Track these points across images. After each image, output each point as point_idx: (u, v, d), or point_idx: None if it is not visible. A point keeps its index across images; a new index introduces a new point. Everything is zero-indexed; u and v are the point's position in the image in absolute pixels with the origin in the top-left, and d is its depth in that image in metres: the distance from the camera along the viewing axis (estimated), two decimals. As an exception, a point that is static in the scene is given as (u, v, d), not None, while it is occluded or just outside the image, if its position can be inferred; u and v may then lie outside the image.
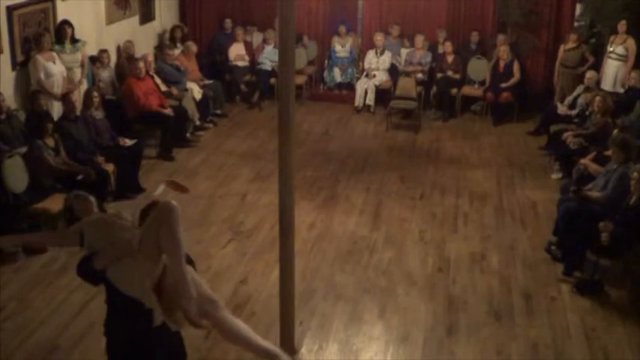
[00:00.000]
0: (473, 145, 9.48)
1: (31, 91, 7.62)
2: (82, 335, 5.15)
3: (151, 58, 9.49)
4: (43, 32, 7.86)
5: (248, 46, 11.17)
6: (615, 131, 7.11)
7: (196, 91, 9.91)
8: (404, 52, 11.07)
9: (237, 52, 11.01)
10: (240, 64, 11.02)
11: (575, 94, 9.24)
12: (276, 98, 9.57)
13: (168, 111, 8.84)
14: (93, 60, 8.77)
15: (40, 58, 7.66)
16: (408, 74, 10.54)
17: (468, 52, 10.83)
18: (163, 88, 9.30)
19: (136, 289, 3.24)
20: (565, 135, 8.10)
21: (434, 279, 6.07)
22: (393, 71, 10.95)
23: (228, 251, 6.50)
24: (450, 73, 10.65)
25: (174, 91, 9.41)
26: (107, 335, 3.68)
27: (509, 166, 8.73)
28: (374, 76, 10.86)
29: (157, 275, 3.17)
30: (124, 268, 3.28)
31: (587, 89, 8.90)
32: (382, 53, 10.95)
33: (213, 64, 11.17)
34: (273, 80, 10.66)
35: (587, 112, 8.48)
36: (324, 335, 5.21)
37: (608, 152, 6.99)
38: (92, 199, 3.82)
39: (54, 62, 7.78)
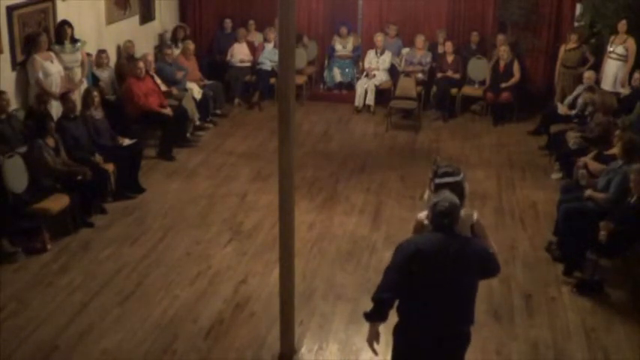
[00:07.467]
0: (473, 145, 9.48)
1: (35, 92, 7.63)
2: (81, 335, 5.16)
3: (151, 58, 9.49)
4: (39, 32, 7.86)
5: (251, 46, 11.17)
6: (617, 131, 7.09)
7: (196, 91, 9.91)
8: (404, 51, 11.08)
9: (240, 52, 10.99)
10: (242, 64, 11.01)
11: (575, 93, 9.24)
12: (276, 98, 9.56)
13: (168, 111, 8.85)
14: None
15: (38, 58, 7.65)
16: (408, 74, 10.54)
17: (468, 52, 10.83)
18: (163, 88, 9.31)
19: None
20: (568, 134, 8.09)
21: (434, 279, 6.05)
22: (393, 71, 10.96)
23: (228, 251, 6.50)
24: (450, 73, 10.65)
25: (175, 90, 9.41)
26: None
27: (509, 166, 8.72)
28: (374, 76, 10.85)
29: None
30: None
31: (587, 89, 8.90)
32: (382, 53, 10.95)
33: (213, 64, 11.17)
34: (273, 80, 10.67)
35: (586, 112, 8.49)
36: (324, 335, 5.21)
37: (608, 152, 6.99)
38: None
39: (52, 62, 7.77)
